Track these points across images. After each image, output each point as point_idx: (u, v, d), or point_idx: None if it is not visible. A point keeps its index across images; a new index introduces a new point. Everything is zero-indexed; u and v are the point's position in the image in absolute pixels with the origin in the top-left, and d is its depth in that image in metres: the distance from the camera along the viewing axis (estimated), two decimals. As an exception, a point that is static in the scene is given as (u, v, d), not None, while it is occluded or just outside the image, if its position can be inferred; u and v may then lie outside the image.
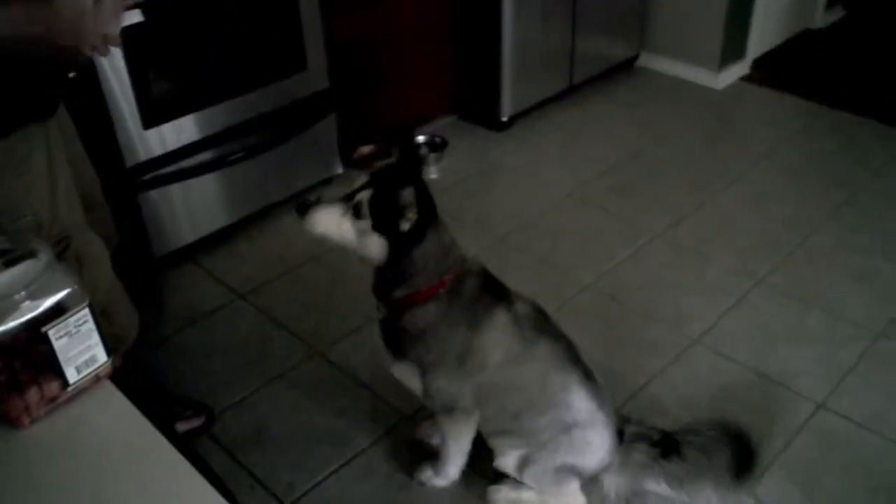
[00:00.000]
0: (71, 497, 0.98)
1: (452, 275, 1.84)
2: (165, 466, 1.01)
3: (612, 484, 2.01)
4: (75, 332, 1.06)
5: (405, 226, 1.73)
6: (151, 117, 2.70)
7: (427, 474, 2.19)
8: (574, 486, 2.05)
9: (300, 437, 2.36)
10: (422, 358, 1.91)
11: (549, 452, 1.97)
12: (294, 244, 3.11)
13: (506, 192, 3.50)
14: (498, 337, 1.87)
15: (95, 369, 1.10)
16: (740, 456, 1.96)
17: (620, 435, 2.02)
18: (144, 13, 2.48)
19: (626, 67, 4.35)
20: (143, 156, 2.73)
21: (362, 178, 1.79)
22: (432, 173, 3.59)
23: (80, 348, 1.08)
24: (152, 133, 2.72)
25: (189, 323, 2.75)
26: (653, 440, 2.01)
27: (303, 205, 1.78)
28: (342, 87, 3.25)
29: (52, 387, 1.07)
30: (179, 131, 2.80)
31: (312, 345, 2.66)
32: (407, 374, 1.97)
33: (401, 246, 1.76)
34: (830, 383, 2.49)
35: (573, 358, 1.95)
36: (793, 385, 2.49)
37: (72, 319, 1.05)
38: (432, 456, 2.20)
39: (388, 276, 1.83)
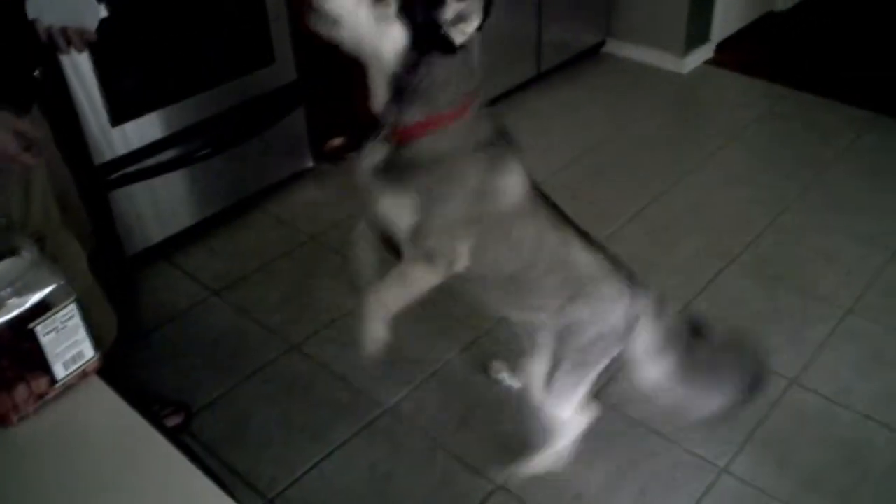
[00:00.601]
0: (64, 493, 0.97)
1: (475, 100, 1.65)
2: (158, 458, 1.01)
3: (641, 341, 1.93)
4: (62, 328, 1.05)
5: (459, 38, 1.52)
6: (119, 114, 2.66)
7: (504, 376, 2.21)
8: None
9: (280, 431, 2.35)
10: (430, 188, 1.67)
11: (576, 326, 1.88)
12: (267, 239, 3.09)
13: (477, 180, 3.51)
14: (515, 182, 1.74)
15: (83, 365, 1.10)
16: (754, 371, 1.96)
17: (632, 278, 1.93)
18: (109, 8, 2.44)
19: (592, 54, 4.38)
20: (111, 154, 2.69)
21: None
22: (403, 164, 3.58)
23: (67, 344, 1.07)
24: (119, 130, 2.68)
25: (164, 321, 2.73)
26: (686, 319, 1.96)
27: None
28: (310, 79, 3.23)
29: (41, 383, 1.06)
30: (147, 128, 2.76)
31: (288, 339, 2.65)
32: (398, 208, 1.71)
33: (426, 46, 1.54)
34: (802, 360, 2.54)
35: (569, 221, 1.87)
36: (766, 362, 2.53)
37: (59, 315, 1.04)
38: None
39: (403, 89, 1.59)
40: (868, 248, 3.00)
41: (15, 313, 1.00)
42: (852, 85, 4.03)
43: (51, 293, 1.04)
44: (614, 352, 1.95)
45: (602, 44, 4.40)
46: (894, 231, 3.08)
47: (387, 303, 1.80)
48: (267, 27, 2.98)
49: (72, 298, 1.06)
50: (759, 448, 2.27)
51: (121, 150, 2.71)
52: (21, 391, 1.04)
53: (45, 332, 1.04)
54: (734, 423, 2.32)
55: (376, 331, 1.80)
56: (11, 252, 1.05)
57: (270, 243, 3.06)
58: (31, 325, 1.02)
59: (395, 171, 1.67)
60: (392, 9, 1.51)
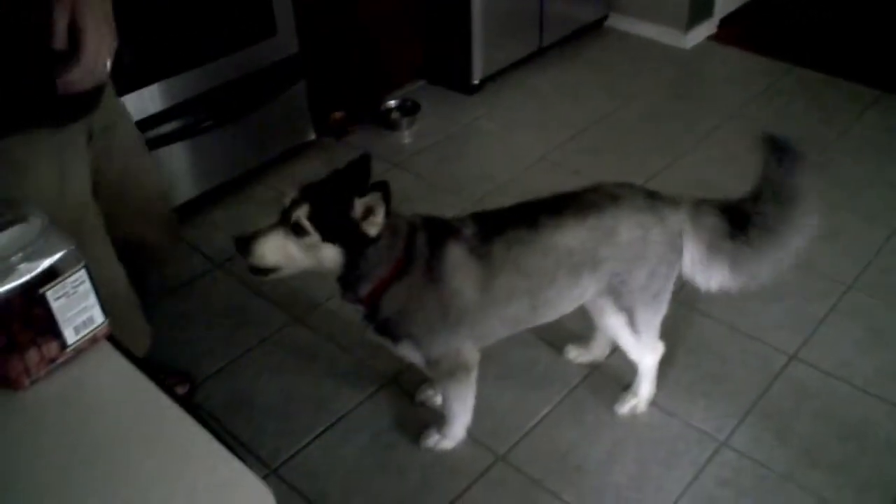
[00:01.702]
0: (75, 454, 0.98)
1: (403, 247, 1.82)
2: (167, 422, 1.02)
3: (688, 250, 1.98)
4: (73, 293, 1.06)
5: (372, 230, 1.72)
6: (119, 86, 2.63)
7: (434, 438, 2.21)
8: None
9: (283, 402, 2.37)
10: (412, 333, 1.92)
11: (620, 277, 1.95)
12: (269, 212, 3.08)
13: (479, 155, 3.51)
14: (462, 273, 1.87)
15: (93, 329, 1.10)
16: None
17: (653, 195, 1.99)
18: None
19: (594, 29, 4.36)
20: (113, 124, 2.69)
21: (290, 195, 1.75)
22: (405, 138, 3.58)
23: (78, 309, 1.07)
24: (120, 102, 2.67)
25: (167, 292, 2.74)
26: (721, 207, 1.98)
27: (240, 240, 1.73)
28: (312, 52, 3.22)
29: (51, 347, 1.06)
30: (148, 100, 2.75)
31: (291, 311, 2.66)
32: (409, 352, 1.98)
33: (358, 248, 1.75)
34: (802, 335, 2.55)
35: (534, 212, 1.92)
36: (766, 338, 2.55)
37: (69, 280, 1.04)
38: (435, 420, 2.23)
39: (351, 280, 1.82)
40: (869, 226, 3.01)
41: (25, 278, 1.00)
42: (856, 62, 4.02)
43: (60, 259, 1.04)
44: (674, 275, 2.01)
45: (605, 18, 4.38)
46: (895, 208, 3.09)
47: (464, 420, 2.16)
48: (269, -2, 2.96)
49: (81, 264, 1.06)
50: (758, 421, 2.29)
51: (121, 121, 2.71)
52: (32, 355, 1.05)
53: (56, 297, 1.04)
54: (735, 398, 2.35)
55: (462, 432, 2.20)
56: (21, 219, 1.05)
57: (272, 216, 3.05)
58: (41, 290, 1.02)
59: (383, 329, 1.93)
60: (316, 236, 1.71)
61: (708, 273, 2.01)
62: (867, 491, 2.10)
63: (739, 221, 1.95)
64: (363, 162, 1.81)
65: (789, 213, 1.93)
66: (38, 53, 1.33)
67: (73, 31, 1.31)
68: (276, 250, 1.72)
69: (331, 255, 1.74)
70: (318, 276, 1.85)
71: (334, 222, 1.71)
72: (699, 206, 1.99)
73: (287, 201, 1.73)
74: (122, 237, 1.84)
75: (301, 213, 1.69)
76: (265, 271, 1.77)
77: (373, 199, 1.69)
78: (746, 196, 1.98)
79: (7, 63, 1.35)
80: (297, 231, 1.70)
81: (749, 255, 1.96)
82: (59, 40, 1.31)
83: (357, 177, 1.79)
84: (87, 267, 1.06)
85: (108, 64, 1.41)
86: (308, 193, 1.72)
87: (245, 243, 1.72)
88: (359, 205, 1.70)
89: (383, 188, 1.68)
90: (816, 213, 1.96)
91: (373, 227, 1.72)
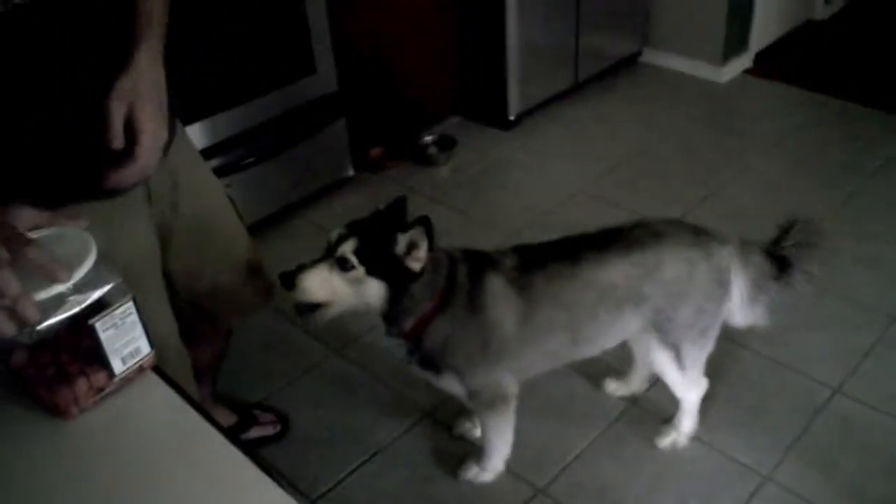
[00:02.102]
0: (122, 482, 1.00)
1: (445, 280, 1.84)
2: (213, 450, 1.03)
3: (737, 285, 1.99)
4: (121, 325, 1.08)
5: (415, 265, 1.74)
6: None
7: (473, 471, 2.21)
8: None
9: (323, 433, 2.39)
10: (454, 365, 1.93)
11: (675, 302, 1.95)
12: (308, 247, 3.11)
13: (515, 189, 3.53)
14: (502, 304, 1.88)
15: (140, 360, 1.13)
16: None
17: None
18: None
19: (630, 63, 4.38)
20: (157, 162, 2.75)
21: (337, 230, 1.76)
22: (442, 173, 3.62)
23: (125, 339, 1.10)
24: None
25: (208, 326, 2.78)
26: (765, 251, 2.01)
27: (285, 275, 1.72)
28: (351, 89, 3.28)
29: (99, 377, 1.09)
30: (192, 138, 2.81)
31: (332, 344, 2.69)
32: (451, 385, 1.99)
33: (402, 283, 1.76)
34: (846, 368, 2.51)
35: (577, 246, 1.94)
36: (808, 371, 2.51)
37: (118, 312, 1.07)
38: (473, 453, 2.23)
39: (395, 315, 1.83)
40: (912, 256, 2.96)
41: (76, 310, 1.03)
42: (892, 92, 3.98)
43: (110, 291, 1.07)
44: (722, 312, 2.01)
45: (639, 53, 4.41)
46: (939, 239, 3.04)
47: (504, 453, 2.17)
48: (309, 38, 3.03)
49: (129, 296, 1.09)
50: (802, 456, 2.25)
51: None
52: (81, 385, 1.08)
53: (105, 329, 1.07)
54: (778, 432, 2.31)
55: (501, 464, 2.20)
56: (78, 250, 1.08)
57: (311, 251, 3.07)
58: (91, 321, 1.05)
59: (427, 362, 1.94)
60: (361, 270, 1.72)
61: (749, 311, 2.03)
62: (916, 528, 2.06)
63: (782, 263, 1.99)
64: (400, 203, 1.84)
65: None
66: (91, 150, 1.28)
67: (129, 128, 1.26)
68: (322, 284, 1.72)
69: (375, 289, 1.75)
70: (359, 313, 1.86)
71: (379, 257, 1.73)
72: (746, 244, 2.01)
73: (333, 237, 1.75)
74: (208, 291, 1.83)
75: (347, 248, 1.71)
76: (310, 310, 1.78)
77: (415, 234, 1.71)
78: (781, 242, 2.03)
79: (55, 155, 1.32)
80: (342, 265, 1.72)
81: (788, 296, 2.00)
82: (117, 139, 1.26)
83: (395, 216, 1.82)
84: (134, 298, 1.09)
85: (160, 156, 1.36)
86: (353, 229, 1.74)
87: (290, 278, 1.72)
88: (402, 240, 1.72)
89: (425, 223, 1.70)
90: None
91: (416, 263, 1.74)
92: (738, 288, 1.99)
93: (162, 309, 1.68)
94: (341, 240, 1.73)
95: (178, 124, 1.69)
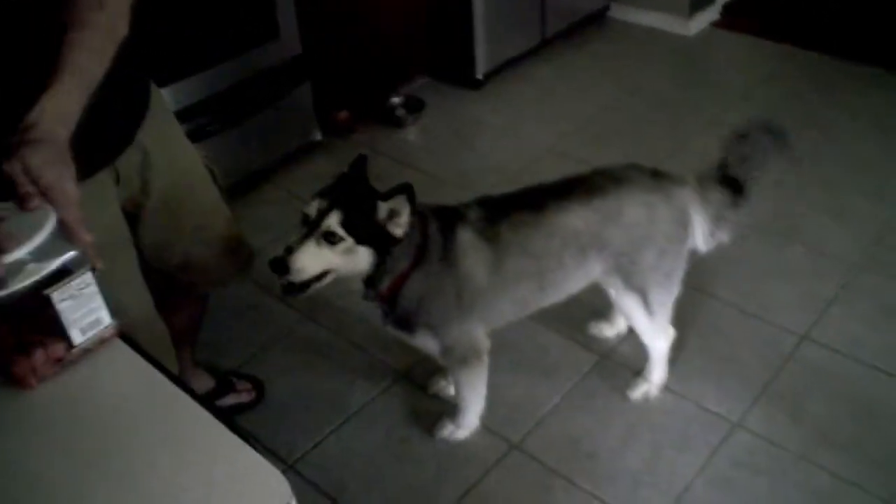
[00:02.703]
0: (90, 449, 1.00)
1: (419, 237, 1.86)
2: (185, 416, 1.04)
3: (698, 222, 2.04)
4: (78, 295, 1.08)
5: (398, 231, 1.76)
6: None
7: (448, 429, 2.23)
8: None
9: (298, 399, 2.40)
10: (429, 321, 1.95)
11: (637, 246, 1.99)
12: (278, 212, 3.12)
13: (485, 149, 3.52)
14: (473, 255, 1.90)
15: (100, 330, 1.13)
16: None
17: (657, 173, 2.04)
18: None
19: (597, 19, 4.36)
20: (120, 132, 2.72)
21: (313, 205, 1.74)
22: (411, 134, 3.60)
23: (84, 310, 1.10)
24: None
25: (179, 295, 2.77)
26: (719, 180, 2.05)
27: (276, 261, 1.70)
28: (316, 53, 3.24)
29: (58, 348, 1.09)
30: (156, 105, 2.78)
31: (304, 310, 2.69)
32: (425, 342, 2.01)
33: (387, 248, 1.79)
34: (812, 316, 2.55)
35: (540, 195, 1.97)
36: (776, 319, 2.55)
37: (74, 283, 1.07)
38: (448, 412, 2.25)
39: (374, 277, 1.84)
40: (876, 204, 3.00)
41: (34, 279, 1.03)
42: (860, 43, 3.99)
43: (69, 260, 1.06)
44: (685, 253, 2.05)
45: (607, 8, 4.38)
46: (903, 186, 3.08)
47: (478, 408, 2.19)
48: (271, 0, 2.98)
49: (87, 267, 1.08)
50: (771, 402, 2.29)
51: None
52: (39, 355, 1.07)
53: (62, 299, 1.06)
54: (747, 380, 2.35)
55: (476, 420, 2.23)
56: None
57: (282, 216, 3.08)
58: (47, 292, 1.05)
59: (402, 322, 1.96)
60: (350, 241, 1.73)
61: (711, 239, 2.07)
62: (881, 468, 2.10)
63: (739, 188, 2.03)
64: (361, 162, 1.85)
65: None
66: None
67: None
68: (315, 261, 1.72)
69: (364, 256, 1.77)
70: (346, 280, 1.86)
71: (364, 225, 1.74)
72: (703, 180, 2.04)
73: (312, 210, 1.74)
74: (181, 263, 1.83)
75: (332, 221, 1.71)
76: (301, 289, 1.77)
77: (398, 202, 1.74)
78: (736, 160, 2.06)
79: None
80: (330, 238, 1.72)
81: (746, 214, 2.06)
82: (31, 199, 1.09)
83: (360, 177, 1.84)
84: (93, 269, 1.09)
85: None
86: (333, 200, 1.74)
87: (282, 262, 1.70)
88: (383, 208, 1.74)
89: (408, 191, 1.73)
90: None
91: (398, 228, 1.77)
92: (700, 224, 2.03)
93: (134, 283, 1.68)
94: (323, 213, 1.72)
95: (156, 96, 1.68)
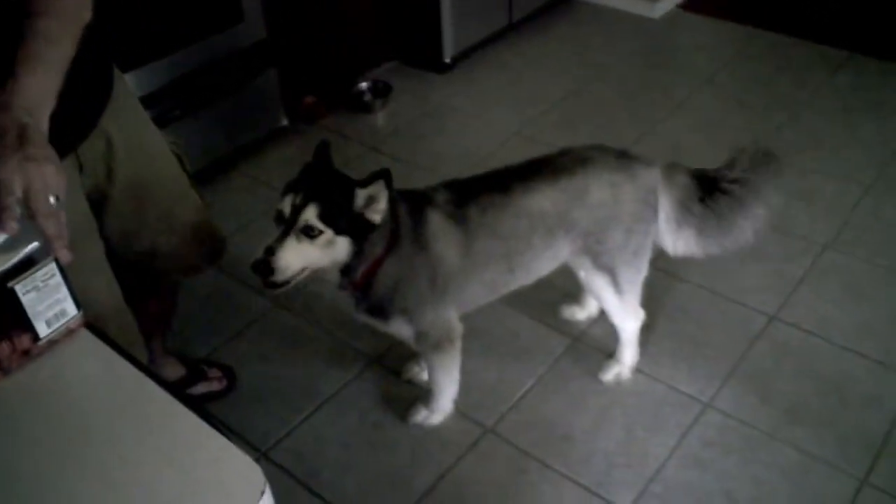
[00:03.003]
0: (59, 440, 0.98)
1: (391, 222, 1.84)
2: (156, 406, 1.02)
3: (662, 206, 2.03)
4: (43, 287, 1.05)
5: (376, 218, 1.74)
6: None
7: (422, 414, 2.22)
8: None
9: (270, 386, 2.38)
10: (404, 307, 1.94)
11: (603, 225, 1.99)
12: (244, 199, 3.08)
13: (453, 133, 3.51)
14: (444, 238, 1.90)
15: (66, 322, 1.10)
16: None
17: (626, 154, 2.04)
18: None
19: (564, 2, 4.35)
20: (82, 119, 2.66)
21: (286, 202, 1.71)
22: (378, 119, 3.57)
23: (49, 302, 1.07)
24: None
25: (146, 285, 2.72)
26: (693, 174, 2.04)
27: (258, 263, 1.68)
28: (281, 37, 3.20)
29: (23, 340, 1.06)
30: (118, 91, 2.73)
31: (274, 297, 2.65)
32: (399, 328, 1.99)
33: (365, 235, 1.77)
34: (781, 296, 2.58)
35: (506, 177, 1.96)
36: (745, 300, 2.57)
37: (39, 274, 1.04)
38: (422, 397, 2.24)
39: (354, 265, 1.82)
40: (843, 185, 3.03)
41: (-3, 270, 1.00)
42: (824, 24, 4.03)
43: (32, 251, 1.03)
44: (652, 232, 2.05)
45: (574, -9, 4.38)
46: (868, 167, 3.12)
47: (451, 393, 2.18)
48: (235, -16, 2.94)
49: (52, 258, 1.06)
50: (741, 382, 2.31)
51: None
52: (4, 348, 1.05)
53: (25, 291, 1.04)
54: (717, 360, 2.37)
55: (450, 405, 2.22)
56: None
57: (248, 203, 3.05)
58: (10, 284, 1.02)
59: (375, 309, 1.94)
60: (329, 233, 1.71)
61: (677, 235, 2.06)
62: (849, 444, 2.13)
63: (709, 187, 2.01)
64: (323, 150, 1.83)
65: (755, 192, 2.01)
66: None
67: None
68: (296, 257, 1.70)
69: (343, 246, 1.75)
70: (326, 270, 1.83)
71: (342, 215, 1.72)
72: (672, 166, 2.04)
73: (286, 206, 1.71)
74: (148, 251, 1.80)
75: (310, 215, 1.69)
76: (283, 284, 1.74)
77: (376, 188, 1.72)
78: (718, 168, 2.04)
79: None
80: (309, 233, 1.69)
81: (715, 223, 2.02)
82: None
83: (325, 163, 1.81)
84: (56, 260, 1.06)
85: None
86: (308, 194, 1.70)
87: (264, 264, 1.68)
88: (360, 195, 1.72)
89: (385, 176, 1.71)
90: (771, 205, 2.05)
91: (377, 215, 1.75)
92: (665, 209, 2.02)
93: (101, 273, 1.65)
94: (299, 208, 1.69)
95: (120, 82, 1.64)
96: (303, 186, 1.72)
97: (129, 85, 1.77)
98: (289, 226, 1.69)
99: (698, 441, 2.17)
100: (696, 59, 3.98)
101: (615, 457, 2.14)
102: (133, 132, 1.67)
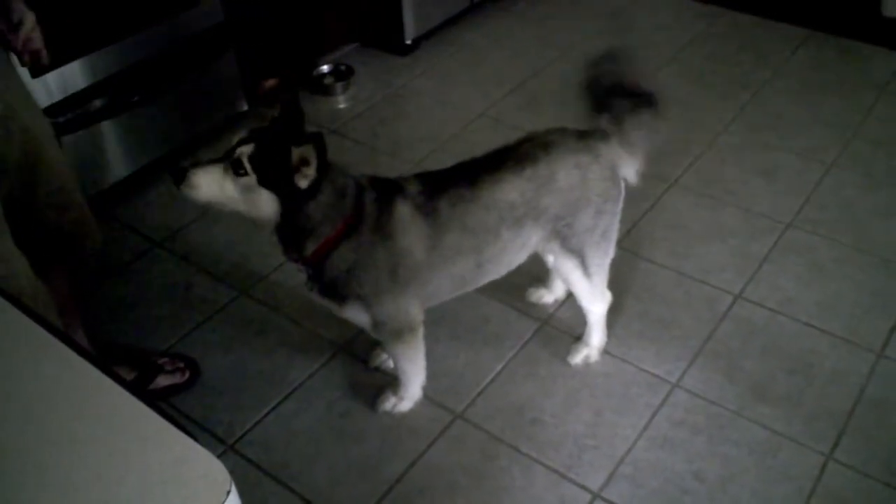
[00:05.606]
0: (15, 444, 0.94)
1: (352, 206, 1.82)
2: (114, 403, 0.98)
3: (630, 166, 2.05)
4: None
5: (303, 183, 1.70)
6: (38, 65, 2.54)
7: (391, 402, 2.20)
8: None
9: (235, 377, 2.34)
10: (360, 293, 1.90)
11: (573, 209, 1.98)
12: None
13: (417, 116, 3.47)
14: (411, 231, 1.87)
15: None
16: None
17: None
18: None
19: (525, -18, 4.31)
20: (34, 106, 2.58)
21: (239, 133, 1.72)
22: (340, 103, 3.52)
23: None
24: (40, 82, 2.56)
25: (109, 275, 2.66)
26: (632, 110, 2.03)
27: (177, 171, 1.69)
28: (239, 20, 3.13)
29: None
30: (70, 78, 2.65)
31: (237, 285, 2.61)
32: (355, 314, 1.97)
33: (294, 201, 1.73)
34: (746, 275, 2.59)
35: (474, 170, 1.94)
36: (711, 280, 2.58)
37: None
38: (390, 384, 2.22)
39: (292, 235, 1.80)
40: (805, 163, 3.05)
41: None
42: (785, 3, 4.05)
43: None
44: (619, 209, 2.06)
45: (535, -29, 4.34)
46: (830, 145, 3.14)
47: (419, 380, 2.17)
48: (189, -34, 2.86)
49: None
50: (708, 362, 2.33)
51: (43, 102, 2.59)
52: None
53: None
54: (684, 341, 2.38)
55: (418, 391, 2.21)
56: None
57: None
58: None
59: (329, 291, 1.91)
60: (253, 178, 1.68)
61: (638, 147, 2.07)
62: (815, 421, 2.16)
63: (646, 99, 2.03)
64: (294, 104, 1.80)
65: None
66: None
67: None
68: (212, 184, 1.70)
69: (265, 201, 1.72)
70: (259, 238, 1.81)
71: (272, 167, 1.69)
72: (619, 121, 2.01)
73: (234, 139, 1.71)
74: (40, 223, 1.81)
75: (244, 151, 1.68)
76: (183, 180, 1.72)
77: (306, 150, 1.67)
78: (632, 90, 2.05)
79: None
80: (237, 168, 1.68)
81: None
82: None
83: (293, 123, 1.78)
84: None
85: None
86: (254, 135, 1.71)
87: (182, 172, 1.69)
88: (294, 154, 1.68)
89: (317, 140, 1.66)
90: None
91: (304, 179, 1.70)
92: (633, 166, 2.05)
93: (4, 242, 1.64)
94: (240, 143, 1.70)
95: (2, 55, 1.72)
96: (256, 129, 1.73)
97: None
98: (225, 155, 1.70)
99: (667, 421, 2.18)
100: (659, 38, 3.97)
101: (585, 439, 2.14)
102: (31, 110, 1.76)
